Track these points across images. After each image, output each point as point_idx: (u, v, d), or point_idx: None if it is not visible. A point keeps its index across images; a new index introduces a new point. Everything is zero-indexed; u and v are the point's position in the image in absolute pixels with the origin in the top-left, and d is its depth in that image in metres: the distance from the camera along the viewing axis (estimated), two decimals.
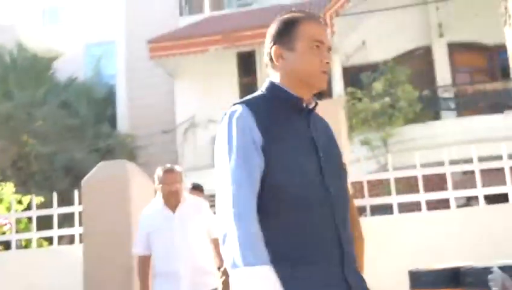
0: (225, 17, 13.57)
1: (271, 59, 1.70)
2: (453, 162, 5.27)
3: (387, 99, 11.16)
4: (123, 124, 14.69)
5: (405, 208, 5.50)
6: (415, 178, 4.98)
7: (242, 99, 1.67)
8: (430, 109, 11.78)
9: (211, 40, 12.13)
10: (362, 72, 11.85)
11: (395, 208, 4.89)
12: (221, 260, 3.71)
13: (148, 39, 12.41)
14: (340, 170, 1.70)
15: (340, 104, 5.58)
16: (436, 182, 6.55)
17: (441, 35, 12.07)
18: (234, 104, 1.64)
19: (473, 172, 4.85)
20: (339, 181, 1.66)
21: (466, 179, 7.30)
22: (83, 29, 15.53)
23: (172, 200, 3.67)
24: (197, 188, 4.72)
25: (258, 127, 1.58)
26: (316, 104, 1.71)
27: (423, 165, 5.07)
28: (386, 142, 11.05)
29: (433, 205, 5.49)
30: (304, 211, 1.56)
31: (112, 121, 14.69)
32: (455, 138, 10.25)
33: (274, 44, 1.68)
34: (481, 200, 4.80)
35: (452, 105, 11.93)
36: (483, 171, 4.88)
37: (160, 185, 3.67)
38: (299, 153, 1.61)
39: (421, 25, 12.41)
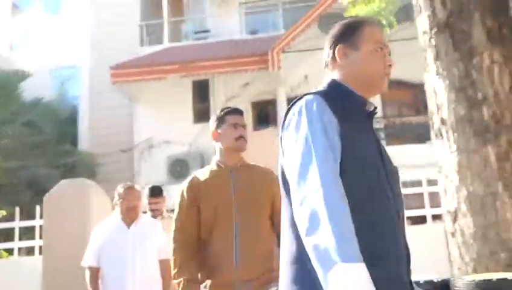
0: (182, 48, 13.80)
1: (333, 58, 1.60)
2: None
3: None
4: (84, 142, 14.64)
5: None
6: None
7: (314, 91, 1.55)
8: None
9: (169, 69, 12.33)
10: None
11: None
12: (166, 281, 3.60)
13: (111, 65, 12.51)
14: (397, 174, 1.60)
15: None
16: None
17: None
18: (307, 94, 1.51)
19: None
20: (398, 183, 1.59)
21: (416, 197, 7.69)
22: (51, 52, 15.45)
23: (129, 216, 3.63)
24: (155, 194, 4.30)
25: (335, 116, 1.45)
26: (375, 108, 1.60)
27: None
28: None
29: None
30: (378, 208, 1.46)
31: (74, 139, 14.63)
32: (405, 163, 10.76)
33: (338, 43, 1.59)
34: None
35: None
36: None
37: (120, 201, 3.62)
38: (368, 148, 1.51)
39: None
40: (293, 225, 1.42)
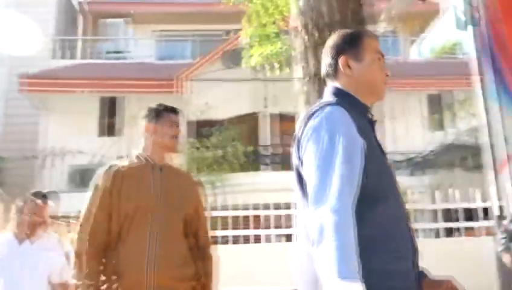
0: (94, 66, 13.47)
1: (334, 68, 1.57)
2: (270, 206, 5.89)
3: (219, 151, 11.79)
4: None
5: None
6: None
7: (331, 100, 1.49)
8: (253, 162, 12.66)
9: (78, 84, 11.99)
10: (203, 127, 12.45)
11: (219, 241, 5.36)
12: None
13: (20, 74, 11.91)
14: (395, 176, 1.56)
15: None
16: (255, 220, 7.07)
17: (266, 106, 13.16)
18: (326, 104, 1.45)
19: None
20: (397, 185, 1.55)
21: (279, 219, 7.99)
22: None
23: (29, 231, 3.04)
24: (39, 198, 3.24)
25: (354, 125, 1.41)
26: (373, 116, 1.57)
27: (245, 206, 5.59)
28: (214, 186, 11.60)
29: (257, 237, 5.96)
30: (396, 208, 1.44)
31: None
32: (270, 187, 11.12)
33: (341, 54, 1.56)
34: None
35: (268, 161, 12.92)
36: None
37: (20, 214, 3.05)
38: (380, 154, 1.49)
39: (252, 96, 13.43)
40: None
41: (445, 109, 13.38)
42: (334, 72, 1.58)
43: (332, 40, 1.62)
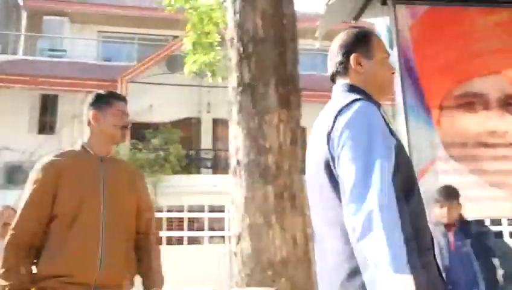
0: (35, 63, 12.88)
1: (345, 65, 1.55)
2: (205, 208, 5.86)
3: (161, 153, 11.61)
4: None
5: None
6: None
7: (358, 96, 1.44)
8: (193, 165, 12.56)
9: (16, 80, 11.41)
10: (145, 129, 12.21)
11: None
12: None
13: None
14: None
15: None
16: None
17: (208, 111, 13.11)
18: (354, 100, 1.41)
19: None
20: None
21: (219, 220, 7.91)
22: None
23: None
24: None
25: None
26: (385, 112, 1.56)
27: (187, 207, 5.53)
28: (155, 187, 11.40)
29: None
30: (420, 201, 1.44)
31: None
32: (210, 190, 11.09)
33: (352, 52, 1.54)
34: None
35: (209, 164, 12.87)
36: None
37: None
38: (403, 147, 1.48)
39: (195, 101, 13.34)
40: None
41: None
42: (345, 69, 1.56)
43: (341, 39, 1.59)
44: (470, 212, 4.97)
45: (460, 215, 3.82)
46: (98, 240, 1.99)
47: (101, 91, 2.25)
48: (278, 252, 3.78)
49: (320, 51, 16.98)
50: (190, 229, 5.87)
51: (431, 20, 5.27)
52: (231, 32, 4.18)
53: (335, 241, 1.37)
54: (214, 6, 7.47)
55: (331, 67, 1.61)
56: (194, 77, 10.61)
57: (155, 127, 12.31)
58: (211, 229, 5.89)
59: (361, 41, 1.57)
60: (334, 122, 1.38)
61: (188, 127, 13.39)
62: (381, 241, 1.18)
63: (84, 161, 2.11)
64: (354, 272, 1.29)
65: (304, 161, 3.90)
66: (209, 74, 8.01)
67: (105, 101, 2.17)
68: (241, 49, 4.06)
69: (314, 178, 1.49)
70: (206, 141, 13.19)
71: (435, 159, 4.89)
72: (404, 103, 4.96)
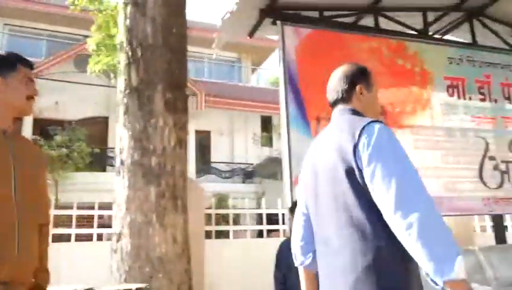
0: None
1: (350, 92, 1.71)
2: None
3: (64, 150, 10.95)
4: None
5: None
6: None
7: (375, 119, 1.57)
8: (99, 163, 12.00)
9: None
10: (50, 126, 11.46)
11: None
12: None
13: None
14: None
15: None
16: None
17: (116, 111, 12.62)
18: (371, 121, 1.53)
19: None
20: None
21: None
22: None
23: None
24: None
25: None
26: None
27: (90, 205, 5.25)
28: (57, 183, 10.73)
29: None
30: None
31: None
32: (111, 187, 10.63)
33: (357, 83, 1.72)
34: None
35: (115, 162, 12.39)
36: None
37: None
38: None
39: (103, 100, 12.78)
40: (374, 224, 1.41)
41: (274, 129, 14.31)
42: (349, 96, 1.71)
43: (348, 70, 1.76)
44: None
45: None
46: (13, 230, 1.54)
47: (3, 52, 1.76)
48: (157, 249, 3.71)
49: (225, 62, 17.15)
50: (89, 226, 5.59)
51: (314, 42, 5.54)
52: (121, 37, 4.05)
53: (348, 240, 1.46)
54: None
55: (335, 92, 1.75)
56: (102, 77, 10.17)
57: (60, 124, 11.60)
58: (109, 226, 5.64)
59: (364, 76, 1.75)
60: (359, 137, 1.49)
61: (96, 125, 12.79)
62: (439, 235, 1.30)
63: None
64: (369, 267, 1.39)
65: (185, 163, 3.82)
66: (113, 76, 7.72)
67: (9, 65, 1.67)
68: (130, 53, 3.94)
69: (325, 185, 1.58)
70: (113, 140, 12.67)
71: None
72: (287, 114, 5.16)
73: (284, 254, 3.50)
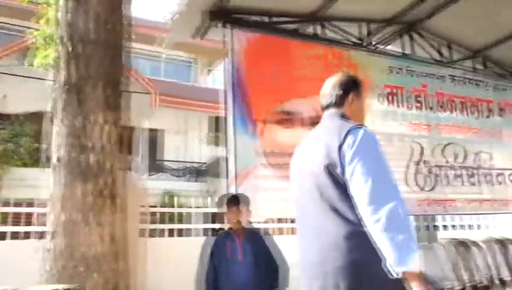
0: None
1: (342, 98, 1.91)
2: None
3: (10, 145, 10.40)
4: None
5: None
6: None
7: (359, 124, 1.75)
8: (45, 159, 11.49)
9: None
10: None
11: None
12: None
13: None
14: None
15: None
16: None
17: None
18: (357, 126, 1.71)
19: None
20: None
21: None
22: None
23: None
24: None
25: None
26: None
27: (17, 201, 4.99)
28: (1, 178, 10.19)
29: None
30: None
31: None
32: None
33: (350, 91, 1.92)
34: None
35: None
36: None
37: None
38: None
39: (49, 95, 12.23)
40: (348, 211, 1.58)
41: (221, 129, 14.26)
42: (342, 102, 1.91)
43: (343, 79, 1.96)
44: (278, 213, 5.31)
45: (246, 222, 3.89)
46: None
47: None
48: (93, 248, 3.56)
49: (182, 62, 16.92)
50: (28, 223, 5.30)
51: (262, 46, 5.55)
52: (61, 31, 3.87)
53: (334, 223, 1.63)
54: None
55: (330, 97, 1.95)
56: (51, 71, 9.73)
57: (6, 118, 10.99)
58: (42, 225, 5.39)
59: (356, 86, 1.96)
60: (345, 138, 1.65)
61: (45, 120, 12.21)
62: (406, 232, 1.45)
63: None
64: (351, 249, 1.58)
65: (126, 161, 3.72)
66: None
67: None
68: (70, 48, 3.77)
69: (314, 178, 1.73)
70: None
71: (257, 165, 5.13)
72: (234, 115, 5.14)
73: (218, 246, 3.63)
